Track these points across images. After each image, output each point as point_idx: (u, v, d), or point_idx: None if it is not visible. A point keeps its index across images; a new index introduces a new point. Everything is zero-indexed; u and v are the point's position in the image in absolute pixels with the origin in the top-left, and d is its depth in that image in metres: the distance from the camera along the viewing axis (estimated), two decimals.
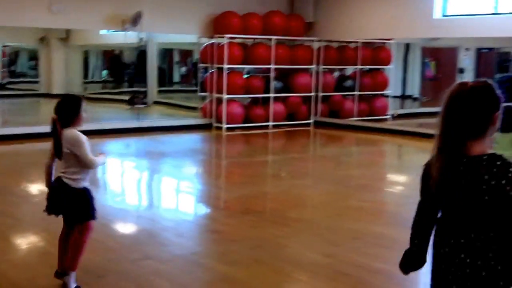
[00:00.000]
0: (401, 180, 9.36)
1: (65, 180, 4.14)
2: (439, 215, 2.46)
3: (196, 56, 20.27)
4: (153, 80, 19.24)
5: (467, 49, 20.51)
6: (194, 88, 19.19)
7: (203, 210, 7.41)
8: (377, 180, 9.58)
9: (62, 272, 4.28)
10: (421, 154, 11.71)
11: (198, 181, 9.11)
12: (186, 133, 13.42)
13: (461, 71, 20.92)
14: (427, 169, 2.40)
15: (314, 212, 7.13)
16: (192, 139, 13.23)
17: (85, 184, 4.22)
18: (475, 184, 2.23)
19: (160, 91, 20.05)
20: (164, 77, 22.33)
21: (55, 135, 4.12)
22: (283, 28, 14.32)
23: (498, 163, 2.21)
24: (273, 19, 14.24)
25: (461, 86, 2.29)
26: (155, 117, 16.08)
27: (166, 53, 22.04)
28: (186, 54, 22.28)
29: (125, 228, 6.36)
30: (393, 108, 16.37)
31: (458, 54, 21.03)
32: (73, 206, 4.19)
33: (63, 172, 4.16)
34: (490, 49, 21.04)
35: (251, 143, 13.07)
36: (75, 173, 4.14)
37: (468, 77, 20.74)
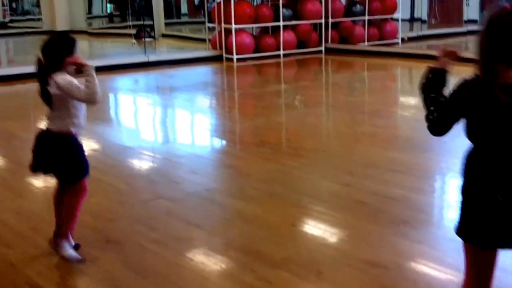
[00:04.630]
0: (413, 104, 9.15)
1: (54, 129, 3.68)
2: (471, 148, 2.34)
3: None
4: (159, 12, 18.83)
5: None
6: (202, 20, 18.83)
7: (217, 144, 7.30)
8: (389, 105, 9.41)
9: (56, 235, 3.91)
10: None
11: (210, 114, 8.98)
12: (196, 66, 13.19)
13: None
14: (468, 90, 2.27)
15: (328, 141, 7.01)
16: (203, 72, 13.02)
17: (73, 129, 3.70)
18: None
19: (167, 24, 19.67)
20: (171, 9, 21.89)
21: (42, 81, 3.63)
22: None
23: None
24: None
25: (502, 10, 2.16)
26: (164, 51, 15.79)
27: None
28: None
29: (136, 167, 6.25)
30: (402, 31, 16.03)
31: None
32: (61, 159, 3.72)
33: (51, 119, 3.70)
34: None
35: (263, 73, 12.84)
36: (61, 117, 3.65)
37: None
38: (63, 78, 3.60)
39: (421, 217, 4.59)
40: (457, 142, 6.42)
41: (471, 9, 20.56)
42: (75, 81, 3.62)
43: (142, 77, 12.27)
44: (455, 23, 19.23)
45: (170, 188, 5.30)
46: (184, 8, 23.38)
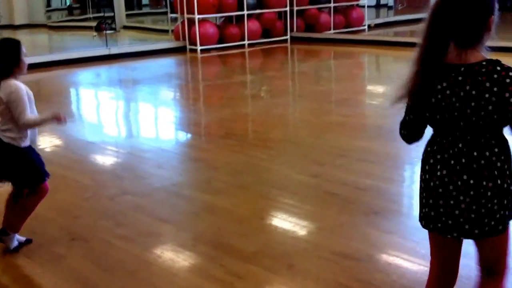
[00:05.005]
0: (381, 92, 9.16)
1: (5, 140, 3.59)
2: (430, 134, 2.30)
3: None
4: (120, 3, 18.47)
5: None
6: (164, 10, 18.53)
7: (182, 137, 7.16)
8: (357, 94, 9.39)
9: (2, 230, 3.82)
10: (399, 64, 11.52)
11: (175, 107, 8.82)
12: (159, 57, 12.97)
13: None
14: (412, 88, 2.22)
15: (296, 132, 6.94)
16: (166, 64, 12.81)
17: (27, 143, 3.65)
18: (477, 93, 2.07)
19: (128, 15, 19.32)
20: (132, 0, 21.52)
21: None
22: None
23: (498, 68, 2.06)
24: None
25: None
26: (126, 43, 15.51)
27: None
28: None
29: (100, 163, 6.08)
30: (369, 18, 16.04)
31: None
32: (18, 170, 3.68)
33: (2, 130, 3.60)
34: None
35: (227, 64, 12.70)
36: (12, 130, 3.58)
37: None
38: (16, 94, 3.50)
39: (391, 207, 4.55)
40: (426, 131, 6.40)
41: None
42: (25, 100, 3.53)
43: (104, 71, 12.01)
44: (422, 8, 19.29)
45: (136, 183, 5.17)
46: None
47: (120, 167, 5.81)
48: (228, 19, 13.95)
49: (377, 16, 18.61)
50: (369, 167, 5.48)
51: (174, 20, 14.29)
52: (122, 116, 8.41)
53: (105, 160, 6.11)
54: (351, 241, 3.90)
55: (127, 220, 4.35)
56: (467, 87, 2.09)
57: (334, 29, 14.89)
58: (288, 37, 14.48)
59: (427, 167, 2.29)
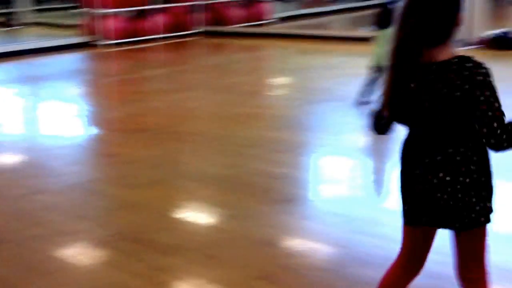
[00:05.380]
0: (288, 83, 9.39)
1: None
2: (406, 132, 2.30)
3: None
4: None
5: None
6: (72, 5, 18.00)
7: (94, 133, 7.04)
8: (266, 86, 9.60)
9: None
10: (306, 56, 11.83)
11: (85, 102, 8.65)
12: (67, 53, 12.63)
13: None
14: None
15: (208, 124, 7.00)
16: (75, 59, 12.52)
17: None
18: (448, 91, 2.07)
19: (36, 10, 18.65)
20: None
21: None
22: None
23: (469, 65, 2.07)
24: None
25: None
26: (32, 39, 14.99)
27: None
28: None
29: (10, 162, 5.91)
30: (277, 12, 16.34)
31: None
32: None
33: None
34: None
35: (138, 58, 12.55)
36: None
37: None
38: None
39: (305, 194, 4.72)
40: (332, 118, 6.67)
41: None
42: None
43: (10, 67, 11.59)
44: (326, 2, 19.83)
45: (50, 181, 5.07)
46: None
47: (32, 165, 5.67)
48: (138, 13, 13.78)
49: (284, 9, 18.92)
50: (282, 156, 5.64)
51: (82, 14, 13.93)
52: (30, 114, 8.17)
53: (15, 159, 5.95)
54: (269, 228, 4.02)
55: (42, 219, 4.26)
56: (439, 85, 2.08)
57: (242, 22, 15.04)
58: (197, 30, 14.49)
59: (404, 166, 2.30)
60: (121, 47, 12.95)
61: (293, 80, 9.41)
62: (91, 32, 13.17)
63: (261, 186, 4.84)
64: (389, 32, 6.93)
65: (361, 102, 6.88)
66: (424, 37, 2.10)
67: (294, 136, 6.30)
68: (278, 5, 17.68)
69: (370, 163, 5.70)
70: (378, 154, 5.86)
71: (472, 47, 10.32)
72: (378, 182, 5.22)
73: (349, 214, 4.20)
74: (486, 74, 2.05)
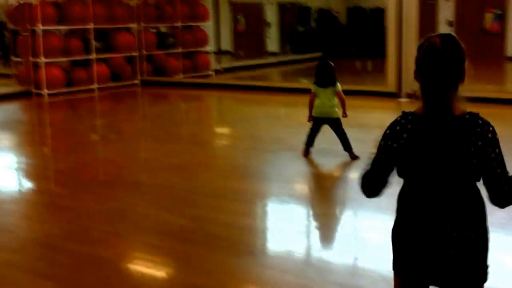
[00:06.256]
0: (235, 132, 9.34)
1: None
2: (403, 183, 2.25)
3: None
4: None
5: (271, 3, 21.23)
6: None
7: (44, 186, 6.63)
8: (213, 135, 9.50)
9: None
10: (248, 106, 11.89)
11: (26, 154, 8.21)
12: (2, 104, 12.15)
13: (268, 24, 21.63)
14: (397, 128, 2.17)
15: (163, 174, 6.76)
16: (10, 110, 12.03)
17: None
18: (462, 146, 2.08)
19: None
20: None
21: None
22: None
23: (480, 122, 2.10)
24: None
25: (432, 42, 2.11)
26: None
27: None
28: None
29: None
30: (214, 63, 16.52)
31: (265, 9, 21.69)
32: None
33: None
34: (292, 4, 21.96)
35: (76, 108, 12.23)
36: None
37: (273, 31, 21.59)
38: None
39: (270, 244, 4.61)
40: (289, 168, 6.62)
41: (271, 42, 21.77)
42: None
43: None
44: (258, 56, 20.22)
45: (5, 238, 4.71)
46: None
47: None
48: (76, 63, 13.49)
49: (219, 61, 19.13)
50: (245, 206, 5.52)
51: (17, 63, 13.49)
52: None
53: None
54: (238, 281, 3.87)
55: (1, 279, 3.93)
56: (451, 140, 2.09)
57: (182, 73, 15.06)
58: (137, 81, 14.32)
59: (404, 217, 2.23)
60: (58, 97, 12.58)
61: (240, 129, 9.36)
62: (27, 81, 12.75)
63: (229, 238, 4.67)
64: (329, 89, 7.23)
65: (307, 151, 7.02)
66: (432, 88, 2.11)
67: (254, 186, 6.20)
68: (217, 57, 17.89)
69: (329, 212, 5.62)
70: (337, 202, 5.83)
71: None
72: (339, 230, 5.14)
73: (319, 264, 4.11)
74: (494, 132, 2.11)
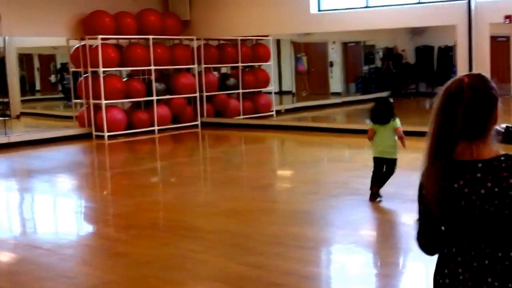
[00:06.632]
0: (297, 176, 9.07)
1: None
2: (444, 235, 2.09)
3: (60, 60, 18.96)
4: (15, 89, 17.64)
5: (334, 42, 21.11)
6: (59, 96, 18.03)
7: (103, 230, 6.50)
8: (276, 179, 9.31)
9: None
10: (309, 148, 11.64)
11: (85, 198, 8.17)
12: (63, 145, 12.32)
13: (331, 64, 21.50)
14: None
15: (222, 220, 6.55)
16: (71, 152, 12.18)
17: None
18: (500, 190, 1.94)
19: (23, 101, 18.52)
20: (25, 86, 20.74)
21: None
22: (158, 27, 13.71)
23: None
24: (147, 18, 13.57)
25: (459, 82, 2.00)
26: (25, 130, 14.70)
27: (25, 59, 20.42)
28: (48, 59, 20.79)
29: (16, 262, 5.39)
30: (275, 104, 16.36)
31: (328, 48, 21.58)
32: None
33: None
34: (356, 42, 21.77)
35: (136, 150, 12.27)
36: None
37: (337, 69, 21.42)
38: None
39: None
40: (354, 213, 6.31)
41: (335, 82, 21.58)
42: None
43: (4, 160, 11.19)
44: (322, 95, 20.03)
45: (62, 283, 4.59)
46: (38, 85, 22.22)
47: (41, 266, 5.13)
48: (136, 105, 13.62)
49: (280, 102, 19.02)
50: (307, 253, 5.30)
51: (78, 105, 13.72)
52: (32, 210, 7.72)
53: (22, 259, 5.40)
54: None
55: None
56: (489, 184, 1.96)
57: (243, 114, 14.92)
58: (198, 122, 14.33)
59: (446, 270, 2.07)
60: (118, 139, 12.68)
61: (301, 172, 9.11)
62: (89, 123, 12.92)
63: (286, 286, 4.42)
64: (387, 126, 6.99)
65: (374, 195, 6.75)
66: (461, 133, 1.99)
67: (318, 232, 5.93)
68: (278, 98, 17.78)
69: (395, 261, 5.27)
70: (404, 250, 5.47)
71: None
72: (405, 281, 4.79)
73: None
74: None
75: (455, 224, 2.04)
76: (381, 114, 6.70)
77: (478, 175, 1.97)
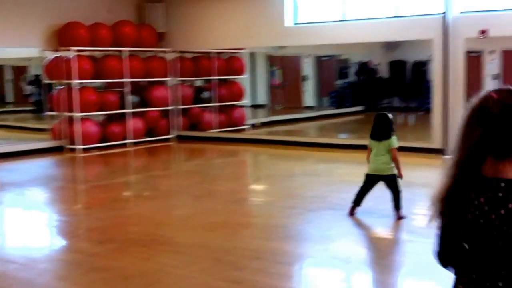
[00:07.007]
0: (274, 189, 9.02)
1: None
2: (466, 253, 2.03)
3: (32, 72, 18.73)
4: None
5: (308, 55, 21.21)
6: (31, 108, 17.79)
7: (78, 245, 6.36)
8: (250, 192, 9.22)
9: None
10: (285, 162, 11.62)
11: (59, 211, 8.02)
12: (36, 158, 12.10)
13: (305, 78, 21.60)
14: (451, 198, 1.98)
15: (203, 234, 6.48)
16: (44, 165, 11.96)
17: None
18: None
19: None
20: None
21: None
22: (134, 39, 13.60)
23: None
24: (123, 30, 13.46)
25: (486, 98, 1.93)
26: None
27: None
28: (19, 70, 20.52)
29: None
30: (250, 117, 16.33)
31: (301, 62, 21.68)
32: None
33: None
34: (330, 56, 21.89)
35: (110, 163, 12.11)
36: None
37: (310, 83, 21.49)
38: None
39: None
40: (332, 228, 6.29)
41: (308, 96, 21.65)
42: None
43: None
44: (296, 109, 20.06)
45: None
46: (9, 96, 21.88)
47: (20, 280, 5.02)
48: (110, 117, 13.46)
49: (254, 115, 19.02)
50: (287, 269, 5.28)
51: (50, 118, 13.51)
52: (3, 224, 7.54)
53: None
54: None
55: None
56: (510, 205, 1.89)
57: (217, 127, 14.83)
58: (172, 135, 14.22)
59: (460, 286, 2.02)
60: (92, 152, 12.51)
61: (277, 186, 9.08)
62: (61, 136, 12.73)
63: None
64: (383, 142, 6.81)
65: (353, 210, 6.71)
66: (489, 150, 1.92)
67: (297, 248, 5.90)
68: (253, 111, 17.75)
69: (380, 277, 5.26)
70: (384, 265, 5.46)
71: None
72: None
73: None
74: None
75: (471, 241, 1.99)
76: (377, 130, 6.60)
77: (500, 194, 1.91)
